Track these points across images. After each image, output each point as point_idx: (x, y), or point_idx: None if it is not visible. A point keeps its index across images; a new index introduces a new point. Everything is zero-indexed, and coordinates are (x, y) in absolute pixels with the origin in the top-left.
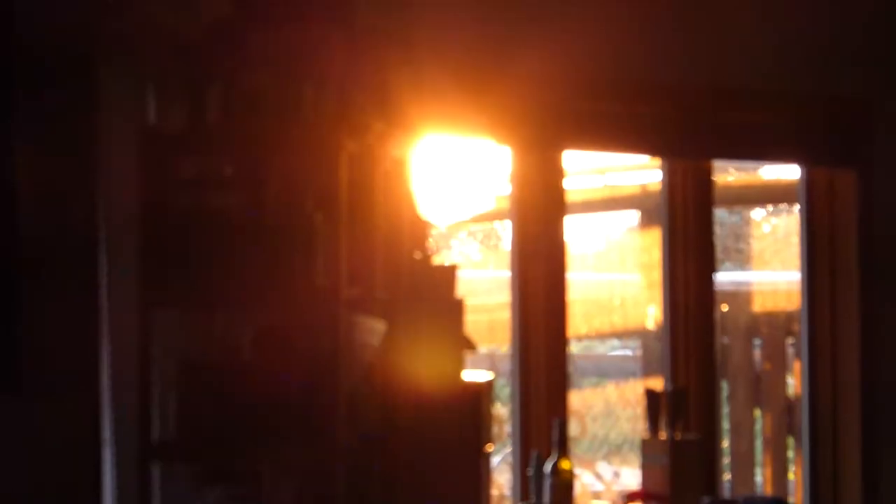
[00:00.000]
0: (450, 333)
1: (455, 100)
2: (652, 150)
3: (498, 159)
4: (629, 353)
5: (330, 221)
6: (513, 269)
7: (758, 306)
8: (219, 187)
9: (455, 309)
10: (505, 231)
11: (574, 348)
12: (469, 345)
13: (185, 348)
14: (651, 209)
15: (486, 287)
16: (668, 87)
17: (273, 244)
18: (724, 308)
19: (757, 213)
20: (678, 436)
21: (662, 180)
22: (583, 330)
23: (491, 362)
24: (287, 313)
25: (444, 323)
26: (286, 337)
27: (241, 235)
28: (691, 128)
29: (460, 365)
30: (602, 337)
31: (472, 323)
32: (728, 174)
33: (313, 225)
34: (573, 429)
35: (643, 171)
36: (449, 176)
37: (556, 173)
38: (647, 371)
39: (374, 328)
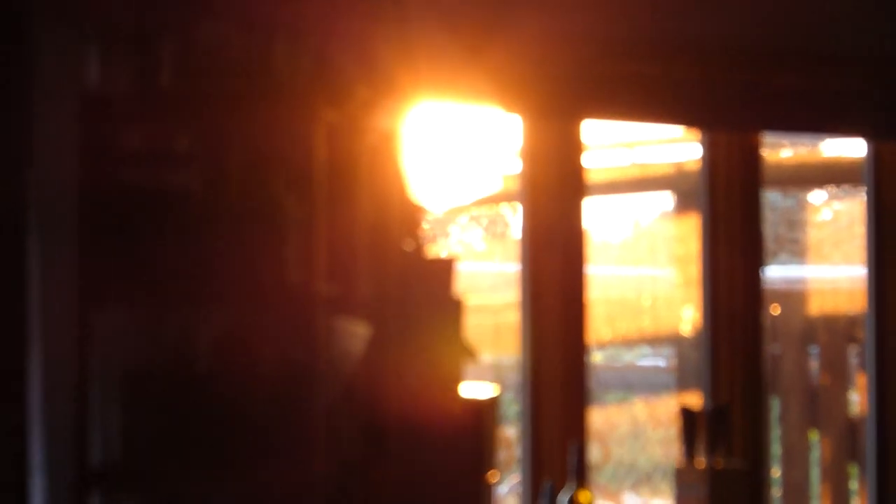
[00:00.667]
0: (447, 339)
1: (454, 60)
2: (689, 120)
3: (505, 131)
4: (661, 363)
5: (304, 205)
6: (522, 262)
7: (815, 308)
8: (172, 162)
9: (453, 310)
10: (514, 217)
11: (595, 357)
12: (470, 353)
13: (132, 355)
14: (688, 191)
15: (490, 283)
16: (709, 45)
17: (236, 231)
18: (775, 310)
19: (815, 197)
20: (719, 463)
21: (702, 157)
22: (606, 335)
23: (496, 374)
24: (253, 314)
25: (440, 327)
26: (252, 343)
27: (199, 221)
28: (737, 94)
29: (459, 377)
30: (629, 344)
31: (474, 327)
32: (781, 149)
33: (284, 209)
34: (594, 454)
35: (679, 146)
36: (447, 151)
37: (574, 147)
38: (683, 385)
39: (356, 333)
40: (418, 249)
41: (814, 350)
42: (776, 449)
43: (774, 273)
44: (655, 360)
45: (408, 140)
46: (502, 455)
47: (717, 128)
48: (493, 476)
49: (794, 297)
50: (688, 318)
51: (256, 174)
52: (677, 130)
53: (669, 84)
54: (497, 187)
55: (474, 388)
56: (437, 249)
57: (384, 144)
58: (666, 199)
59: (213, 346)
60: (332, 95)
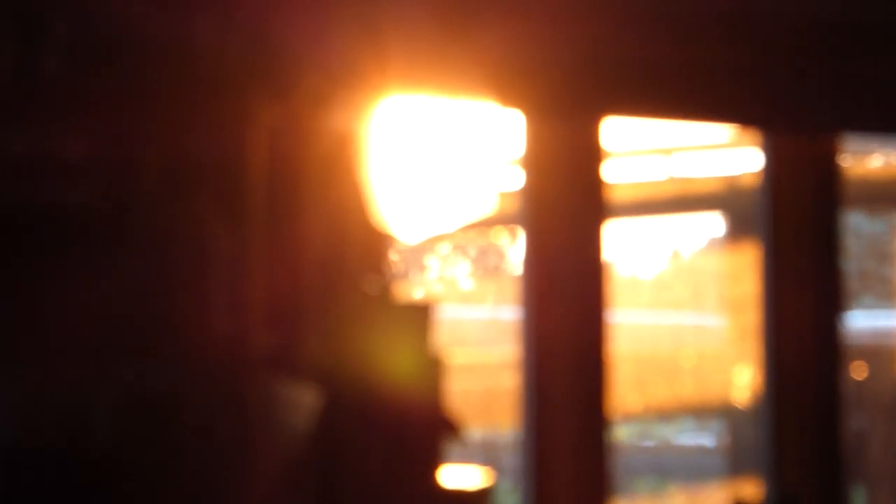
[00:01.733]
0: (423, 410)
1: (434, 41)
2: (745, 119)
3: (503, 134)
4: (707, 441)
5: (236, 229)
6: (524, 307)
7: None
8: (62, 173)
9: (430, 371)
10: (512, 246)
11: (621, 433)
12: (452, 428)
13: (4, 425)
14: (743, 213)
15: (480, 335)
16: (771, 21)
17: (147, 264)
18: (860, 372)
19: None
20: None
21: (762, 168)
22: (635, 404)
23: (488, 455)
24: (167, 374)
25: (414, 394)
26: (163, 411)
27: (95, 248)
28: (809, 85)
29: (439, 459)
30: (665, 416)
31: (459, 393)
32: (868, 159)
33: (210, 235)
34: None
35: (731, 154)
36: (425, 161)
37: (592, 155)
38: (736, 470)
39: (302, 401)
40: (385, 291)
41: None
42: None
43: (858, 322)
44: (700, 438)
45: (374, 146)
46: None
47: (782, 129)
48: None
49: (883, 354)
50: (743, 381)
51: (173, 189)
52: (729, 133)
53: (718, 72)
54: (490, 208)
55: (460, 475)
56: (410, 290)
57: (342, 152)
58: (714, 224)
59: (114, 415)
60: (272, 88)
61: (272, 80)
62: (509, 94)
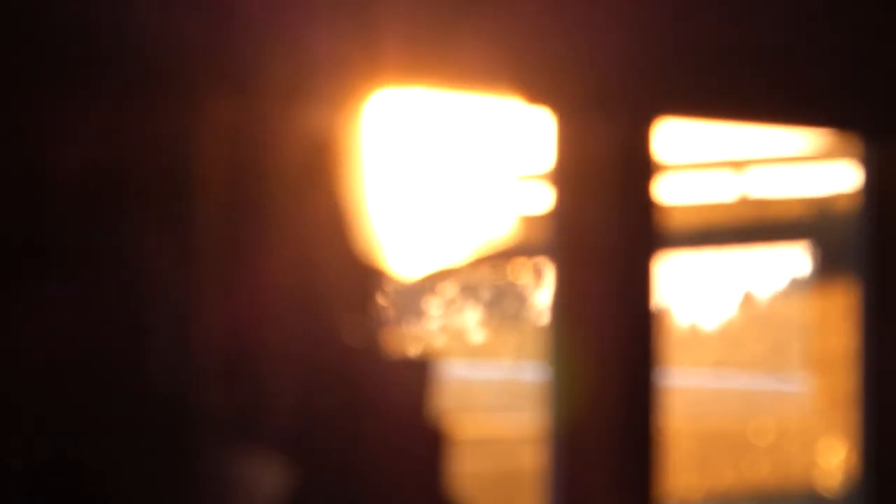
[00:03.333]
0: (418, 495)
1: (440, 24)
2: (841, 124)
3: (527, 140)
4: None
5: (181, 253)
6: (552, 364)
7: None
8: None
9: (430, 447)
10: (536, 287)
11: None
12: None
13: None
14: (835, 246)
15: (495, 400)
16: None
17: (63, 294)
18: None
19: None
20: None
21: (861, 187)
22: (695, 490)
23: None
24: (86, 441)
25: (408, 476)
26: (86, 493)
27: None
28: None
29: None
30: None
31: (466, 475)
32: None
33: (147, 258)
34: None
35: (821, 169)
36: (428, 174)
37: (641, 167)
38: None
39: (264, 479)
40: (372, 341)
41: None
42: None
43: None
44: None
45: (361, 153)
46: None
47: (889, 137)
48: None
49: None
50: (832, 462)
51: (104, 203)
52: (820, 142)
53: (805, 62)
54: (509, 236)
55: None
56: (404, 342)
57: (320, 160)
58: (799, 259)
59: (25, 497)
60: (232, 80)
61: (231, 71)
62: (535, 88)
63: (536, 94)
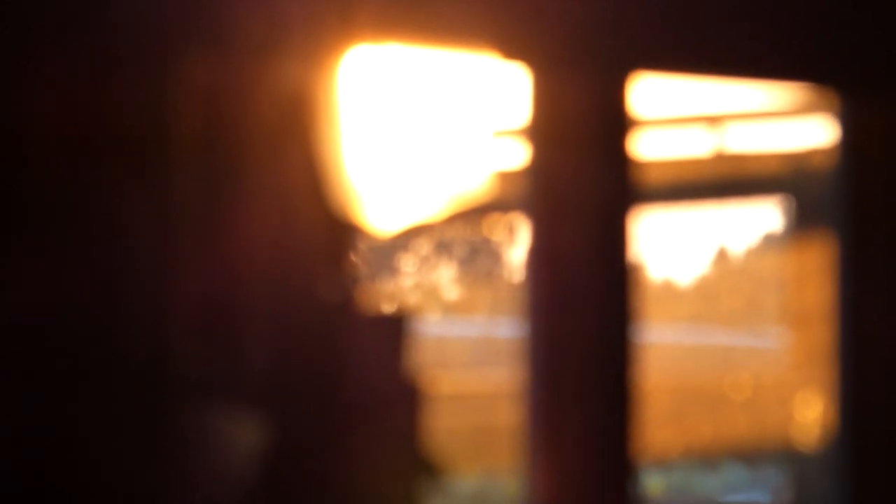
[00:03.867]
0: (395, 451)
1: None
2: (814, 77)
3: (502, 95)
4: (762, 495)
5: (156, 212)
6: (528, 320)
7: None
8: None
9: (404, 402)
10: (512, 243)
11: (652, 483)
12: (433, 471)
13: None
14: (810, 201)
15: (470, 356)
16: None
17: (36, 253)
18: None
19: None
20: None
21: (838, 142)
22: (670, 447)
23: None
24: (61, 397)
25: (383, 430)
26: (61, 451)
27: None
28: None
29: None
30: (709, 461)
31: (442, 431)
32: None
33: (122, 218)
34: None
35: (795, 124)
36: (401, 130)
37: (618, 122)
38: None
39: (240, 436)
40: (348, 298)
41: None
42: None
43: None
44: (753, 490)
45: (336, 110)
46: None
47: (864, 90)
48: None
49: None
50: (809, 418)
51: (76, 162)
52: (793, 96)
53: (782, 16)
54: (484, 192)
55: None
56: (379, 299)
57: (295, 116)
58: (773, 214)
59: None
60: (204, 35)
61: (203, 26)
62: (510, 43)
63: (512, 49)
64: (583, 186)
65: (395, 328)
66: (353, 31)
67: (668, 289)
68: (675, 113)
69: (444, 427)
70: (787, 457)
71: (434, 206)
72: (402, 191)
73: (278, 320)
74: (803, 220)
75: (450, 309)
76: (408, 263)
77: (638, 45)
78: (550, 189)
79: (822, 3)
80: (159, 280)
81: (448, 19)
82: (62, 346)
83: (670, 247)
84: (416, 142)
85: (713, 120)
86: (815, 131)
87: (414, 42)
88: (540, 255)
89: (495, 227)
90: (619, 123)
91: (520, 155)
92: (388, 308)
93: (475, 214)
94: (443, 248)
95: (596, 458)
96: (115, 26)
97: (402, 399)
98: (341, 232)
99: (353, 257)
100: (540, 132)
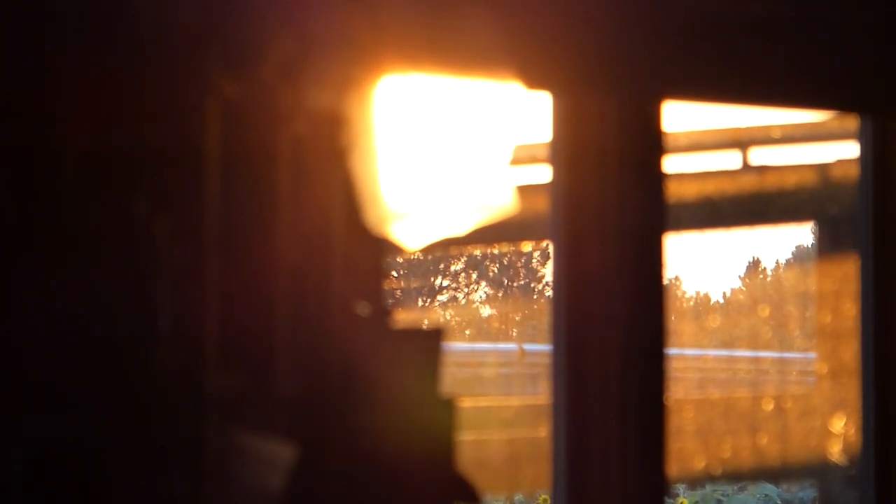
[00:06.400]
0: (429, 469)
1: (440, 10)
2: (839, 102)
3: (528, 120)
4: None
5: (185, 232)
6: (555, 340)
7: None
8: None
9: (439, 417)
10: (543, 261)
11: (683, 499)
12: (467, 493)
13: None
14: (840, 221)
15: (502, 377)
16: None
17: (66, 274)
18: None
19: None
20: None
21: (859, 160)
22: (699, 464)
23: None
24: (87, 422)
25: (418, 448)
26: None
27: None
28: None
29: None
30: (738, 478)
31: (476, 447)
32: None
33: (150, 238)
34: None
35: (823, 146)
36: (431, 151)
37: (647, 147)
38: None
39: (271, 458)
40: (381, 314)
41: None
42: None
43: None
44: None
45: (368, 132)
46: None
47: (887, 115)
48: None
49: None
50: (839, 434)
51: (107, 182)
52: (821, 119)
53: (806, 38)
54: (516, 213)
55: None
56: (414, 315)
57: (326, 137)
58: (803, 233)
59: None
60: (233, 58)
61: (232, 49)
62: (536, 74)
63: (538, 79)
64: (612, 210)
65: (429, 343)
66: (378, 63)
67: (699, 308)
68: (704, 133)
69: (476, 444)
70: (817, 473)
71: (468, 225)
72: (437, 210)
73: (314, 335)
74: (834, 240)
75: (482, 325)
76: (442, 280)
77: (663, 72)
78: (580, 211)
79: (846, 33)
80: (192, 298)
81: (472, 50)
82: (94, 365)
83: (701, 265)
84: (449, 163)
85: (739, 140)
86: (841, 153)
87: (439, 72)
88: (565, 279)
89: (528, 248)
90: (649, 147)
91: (548, 177)
92: (423, 323)
93: (510, 235)
94: (476, 267)
95: (627, 476)
96: (144, 46)
97: (437, 414)
98: (375, 248)
99: (388, 273)
100: (568, 156)
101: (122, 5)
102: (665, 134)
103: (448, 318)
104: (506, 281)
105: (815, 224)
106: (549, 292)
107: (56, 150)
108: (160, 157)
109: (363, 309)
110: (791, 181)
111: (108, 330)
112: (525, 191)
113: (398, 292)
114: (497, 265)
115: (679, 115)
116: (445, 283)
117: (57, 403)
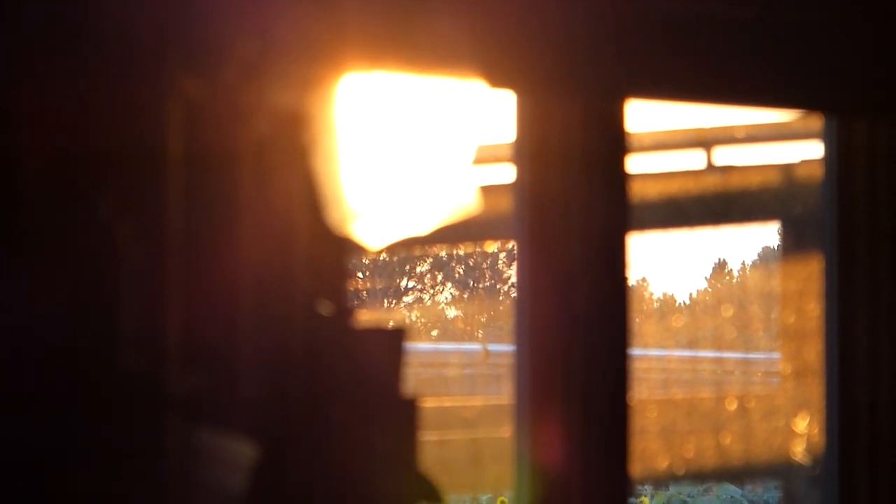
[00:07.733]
0: (391, 468)
1: (403, 9)
2: (803, 101)
3: (492, 119)
4: None
5: (147, 232)
6: (518, 339)
7: None
8: None
9: (401, 417)
10: (507, 261)
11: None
12: (430, 493)
13: None
14: (803, 221)
15: (466, 377)
16: None
17: (28, 277)
18: None
19: None
20: None
21: (823, 160)
22: (662, 464)
23: None
24: (52, 423)
25: (379, 446)
26: (50, 473)
27: None
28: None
29: None
30: (701, 478)
31: (439, 447)
32: None
33: (112, 239)
34: None
35: (787, 146)
36: (393, 149)
37: (611, 147)
38: None
39: (232, 457)
40: (344, 313)
41: None
42: None
43: None
44: None
45: (329, 130)
46: None
47: (851, 115)
48: None
49: None
50: (802, 434)
51: (68, 184)
52: (785, 119)
53: (771, 42)
54: (479, 212)
55: None
56: (376, 314)
57: (289, 136)
58: (768, 233)
59: None
60: (194, 58)
61: (194, 50)
62: (499, 72)
63: (501, 78)
64: (576, 209)
65: (392, 342)
66: (341, 60)
67: (663, 309)
68: (667, 133)
69: (438, 442)
70: (781, 473)
71: (431, 224)
72: (399, 209)
73: (276, 334)
74: (796, 240)
75: (445, 325)
76: (405, 280)
77: (626, 72)
78: (544, 211)
79: (810, 33)
80: (155, 298)
81: (436, 48)
82: (56, 364)
83: (665, 265)
84: (412, 160)
85: (702, 139)
86: (805, 153)
87: (403, 70)
88: (529, 279)
89: (491, 248)
90: (612, 147)
91: (512, 177)
92: (385, 322)
93: (472, 234)
94: (440, 266)
95: (590, 476)
96: (109, 47)
97: (399, 413)
98: (337, 247)
99: (350, 273)
100: (531, 156)
101: (85, 7)
102: (629, 133)
103: (414, 319)
104: (471, 282)
105: (779, 224)
106: (514, 293)
107: (17, 152)
108: (122, 157)
109: (325, 308)
110: (755, 181)
111: (70, 331)
112: (489, 190)
113: (364, 294)
114: (463, 266)
115: (643, 115)
116: (411, 284)
117: (17, 404)
